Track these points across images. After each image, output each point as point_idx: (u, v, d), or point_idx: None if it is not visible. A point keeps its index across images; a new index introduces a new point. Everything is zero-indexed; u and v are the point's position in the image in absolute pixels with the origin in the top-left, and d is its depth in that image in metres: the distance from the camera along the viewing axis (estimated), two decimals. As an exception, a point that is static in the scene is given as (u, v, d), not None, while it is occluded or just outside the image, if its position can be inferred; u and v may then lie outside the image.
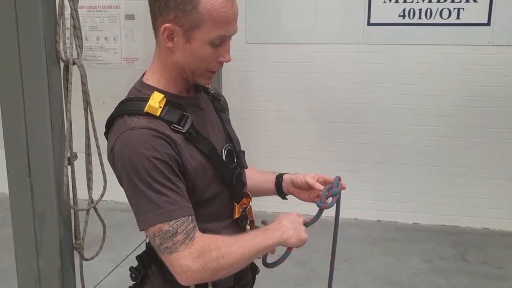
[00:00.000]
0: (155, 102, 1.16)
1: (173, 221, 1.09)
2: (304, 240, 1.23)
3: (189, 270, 1.09)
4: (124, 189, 1.16)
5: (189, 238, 1.10)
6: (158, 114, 1.15)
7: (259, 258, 1.27)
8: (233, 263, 1.13)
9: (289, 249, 1.26)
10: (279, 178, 1.51)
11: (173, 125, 1.17)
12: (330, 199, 1.36)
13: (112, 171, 1.21)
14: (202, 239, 1.12)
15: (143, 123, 1.14)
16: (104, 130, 1.25)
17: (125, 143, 1.12)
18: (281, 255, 1.27)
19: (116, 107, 1.21)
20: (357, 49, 4.30)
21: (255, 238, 1.18)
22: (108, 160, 1.19)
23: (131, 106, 1.18)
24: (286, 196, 1.53)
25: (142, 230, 1.14)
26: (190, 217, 1.13)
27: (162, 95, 1.18)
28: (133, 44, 4.65)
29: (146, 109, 1.15)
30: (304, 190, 1.46)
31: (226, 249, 1.12)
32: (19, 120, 1.37)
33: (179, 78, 1.23)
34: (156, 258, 1.25)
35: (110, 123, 1.21)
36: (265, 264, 1.33)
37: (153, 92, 1.19)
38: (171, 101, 1.20)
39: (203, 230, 1.17)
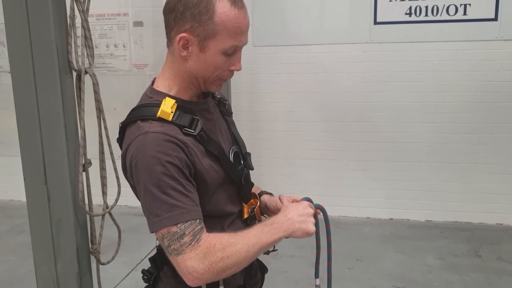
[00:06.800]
0: (167, 107, 1.19)
1: (181, 224, 1.11)
2: (311, 233, 1.21)
3: (195, 272, 1.11)
4: (136, 191, 1.19)
5: (195, 240, 1.12)
6: (170, 119, 1.19)
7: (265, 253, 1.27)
8: (238, 262, 1.14)
9: None
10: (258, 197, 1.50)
11: (185, 128, 1.20)
12: None
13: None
14: (208, 240, 1.13)
15: (156, 127, 1.16)
16: (117, 136, 1.28)
17: (138, 147, 1.15)
18: None
19: (129, 114, 1.25)
20: (364, 48, 4.31)
21: (260, 234, 1.17)
22: (122, 166, 1.23)
23: (143, 112, 1.21)
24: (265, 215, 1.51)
25: (153, 232, 1.17)
26: (197, 220, 1.14)
27: (174, 101, 1.22)
28: (142, 50, 4.70)
29: (158, 114, 1.18)
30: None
31: (231, 249, 1.13)
32: (34, 129, 1.40)
33: (191, 85, 1.27)
34: (169, 260, 1.29)
35: (123, 130, 1.24)
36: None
37: (164, 98, 1.22)
38: (181, 106, 1.23)
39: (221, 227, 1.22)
